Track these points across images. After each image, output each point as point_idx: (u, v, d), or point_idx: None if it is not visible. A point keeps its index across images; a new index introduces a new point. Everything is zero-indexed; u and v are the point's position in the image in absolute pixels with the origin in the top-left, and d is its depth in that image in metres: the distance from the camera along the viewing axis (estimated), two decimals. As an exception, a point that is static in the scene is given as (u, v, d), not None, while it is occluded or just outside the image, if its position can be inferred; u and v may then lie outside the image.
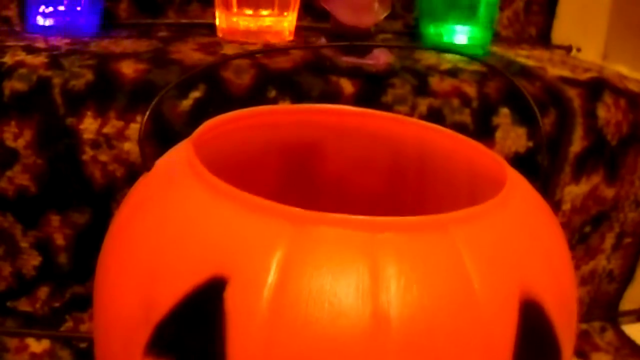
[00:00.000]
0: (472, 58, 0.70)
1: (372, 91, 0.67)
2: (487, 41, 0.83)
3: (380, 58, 0.69)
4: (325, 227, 0.40)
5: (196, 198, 0.43)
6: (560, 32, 0.97)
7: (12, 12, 0.88)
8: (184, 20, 0.87)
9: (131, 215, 0.48)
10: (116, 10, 0.87)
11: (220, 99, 0.65)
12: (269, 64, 0.69)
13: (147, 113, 0.50)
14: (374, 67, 0.68)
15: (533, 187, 0.50)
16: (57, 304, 0.70)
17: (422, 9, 0.84)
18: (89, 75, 0.65)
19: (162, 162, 0.50)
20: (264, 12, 0.77)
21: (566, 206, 0.76)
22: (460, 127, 0.69)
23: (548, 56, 0.89)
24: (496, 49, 0.87)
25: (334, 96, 0.66)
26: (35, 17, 0.77)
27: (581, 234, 0.79)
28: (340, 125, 0.63)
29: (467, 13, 0.81)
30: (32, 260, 0.69)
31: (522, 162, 0.72)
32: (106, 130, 0.65)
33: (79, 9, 0.77)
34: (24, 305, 0.70)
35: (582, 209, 0.77)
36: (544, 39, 0.98)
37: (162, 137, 0.64)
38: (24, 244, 0.69)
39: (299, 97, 0.65)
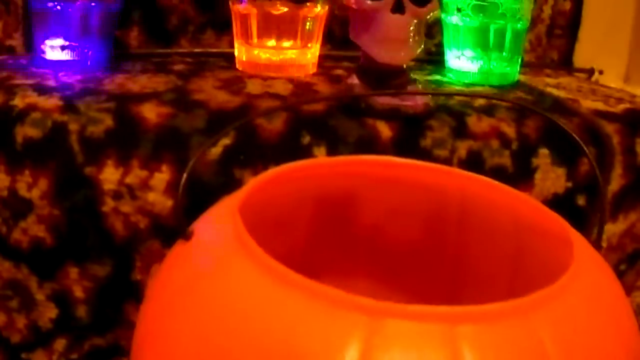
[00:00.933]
0: (513, 103, 0.67)
1: (410, 135, 0.62)
2: (515, 70, 0.79)
3: (417, 97, 0.65)
4: (402, 320, 0.36)
5: (254, 285, 0.38)
6: (582, 55, 0.94)
7: (16, 42, 0.83)
8: (198, 50, 0.82)
9: (172, 297, 0.43)
10: (127, 38, 0.83)
11: (251, 146, 0.60)
12: (302, 106, 0.64)
13: (184, 178, 0.46)
14: (412, 109, 0.63)
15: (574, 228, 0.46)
16: (75, 356, 0.65)
17: (446, 36, 0.79)
18: (108, 121, 0.60)
19: (203, 231, 0.46)
20: (286, 44, 0.73)
21: (603, 244, 0.73)
22: (499, 170, 0.65)
23: (576, 84, 0.85)
24: (522, 77, 0.83)
25: (371, 141, 0.61)
26: (43, 49, 0.71)
27: (616, 272, 0.75)
28: (377, 175, 0.59)
29: (494, 42, 0.77)
30: (49, 313, 0.64)
31: (560, 203, 0.68)
32: (129, 180, 0.60)
33: (89, 42, 0.71)
34: (39, 357, 0.65)
35: (619, 247, 0.74)
36: (566, 63, 0.94)
37: (189, 188, 0.59)
38: (39, 296, 0.63)
39: (335, 142, 0.61)
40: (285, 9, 0.70)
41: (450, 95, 0.67)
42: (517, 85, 0.79)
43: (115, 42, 0.77)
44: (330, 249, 0.62)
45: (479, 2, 0.75)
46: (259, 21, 0.71)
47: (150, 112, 0.61)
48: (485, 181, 0.56)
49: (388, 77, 0.66)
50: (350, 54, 0.81)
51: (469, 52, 0.78)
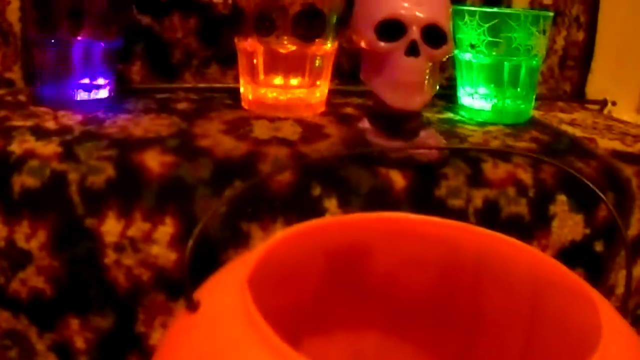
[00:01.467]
0: (531, 156, 0.64)
1: (424, 184, 0.59)
2: (529, 107, 0.75)
3: (430, 142, 0.62)
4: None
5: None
6: (595, 87, 0.91)
7: (16, 75, 0.79)
8: (202, 85, 0.79)
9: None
10: (129, 72, 0.79)
11: (259, 198, 0.57)
12: (310, 153, 0.61)
13: (190, 244, 0.43)
14: (426, 157, 0.60)
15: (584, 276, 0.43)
16: (74, 408, 0.63)
17: (459, 73, 0.77)
18: (109, 170, 0.57)
19: (209, 304, 0.43)
20: (294, 82, 0.70)
21: (620, 290, 0.70)
22: (516, 219, 0.62)
23: (591, 119, 0.82)
24: (535, 112, 0.80)
25: (384, 191, 0.58)
26: (42, 87, 0.68)
27: (634, 317, 0.73)
28: (390, 229, 0.56)
29: (509, 79, 0.74)
30: (49, 363, 0.62)
31: (578, 250, 0.65)
32: (131, 232, 0.56)
33: (90, 81, 0.67)
34: (39, 408, 0.63)
35: (637, 291, 0.71)
36: (578, 94, 0.91)
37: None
38: (40, 346, 0.60)
39: (346, 194, 0.57)
40: (294, 47, 0.67)
41: (468, 150, 0.63)
42: (531, 122, 0.76)
43: (117, 77, 0.74)
44: (341, 301, 0.59)
45: (493, 39, 0.72)
46: (265, 59, 0.68)
47: (153, 161, 0.58)
48: (501, 238, 0.53)
49: (401, 121, 0.63)
50: (359, 88, 0.78)
51: (482, 90, 0.74)
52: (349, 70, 0.80)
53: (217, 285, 0.45)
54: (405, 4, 0.60)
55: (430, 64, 0.62)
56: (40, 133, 0.61)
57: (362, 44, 0.62)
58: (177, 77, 0.79)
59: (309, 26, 0.67)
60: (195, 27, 0.78)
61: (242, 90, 0.71)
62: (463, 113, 0.76)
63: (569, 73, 0.89)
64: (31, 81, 0.72)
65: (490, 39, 0.72)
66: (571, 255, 0.67)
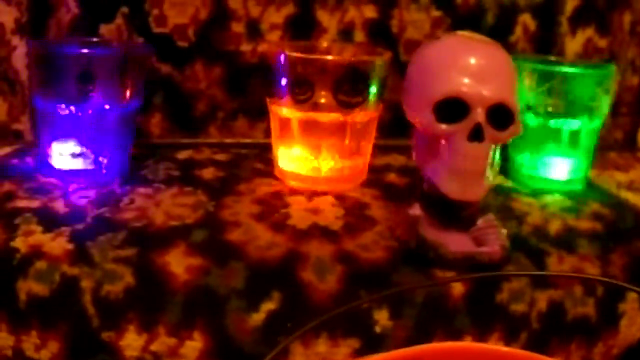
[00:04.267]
0: (602, 281, 0.52)
1: (485, 288, 0.49)
2: (587, 172, 0.64)
3: (494, 240, 0.49)
4: None
5: None
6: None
7: (24, 126, 0.68)
8: (229, 140, 0.68)
9: None
10: (147, 125, 0.68)
11: (299, 309, 0.46)
12: (358, 253, 0.49)
13: None
14: (488, 256, 0.50)
15: None
16: None
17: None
18: (127, 276, 0.46)
19: None
20: (333, 151, 0.57)
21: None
22: (582, 320, 0.52)
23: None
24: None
25: (441, 299, 0.48)
26: (50, 154, 0.57)
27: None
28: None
29: (568, 143, 0.64)
30: None
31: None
32: (154, 347, 0.46)
33: (103, 149, 0.56)
34: None
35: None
36: (630, 143, 0.80)
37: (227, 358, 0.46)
38: None
39: (399, 304, 0.48)
40: (333, 115, 0.57)
41: (545, 275, 0.53)
42: (589, 187, 0.64)
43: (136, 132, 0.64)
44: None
45: (553, 101, 0.62)
46: (301, 126, 0.57)
47: (178, 266, 0.47)
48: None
49: (458, 208, 0.53)
50: (401, 143, 0.67)
51: (537, 155, 0.63)
52: (389, 122, 0.68)
53: None
54: (468, 81, 0.49)
55: (494, 146, 0.52)
56: (48, 220, 0.51)
57: (417, 123, 0.52)
58: (201, 130, 0.68)
59: (352, 91, 0.57)
60: (220, 77, 0.67)
61: (275, 157, 0.60)
62: (517, 180, 0.64)
63: (621, 120, 0.78)
64: (39, 137, 0.61)
65: (549, 100, 0.62)
66: (637, 353, 0.58)
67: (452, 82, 0.50)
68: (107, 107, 0.55)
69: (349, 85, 0.56)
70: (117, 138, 0.57)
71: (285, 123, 0.58)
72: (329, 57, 0.56)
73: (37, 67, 0.55)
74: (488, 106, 0.49)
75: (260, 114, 0.67)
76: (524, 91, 0.62)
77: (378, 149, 0.66)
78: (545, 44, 0.72)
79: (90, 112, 0.55)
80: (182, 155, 0.66)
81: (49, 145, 0.58)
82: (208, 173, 0.61)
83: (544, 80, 0.61)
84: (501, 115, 0.50)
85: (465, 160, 0.50)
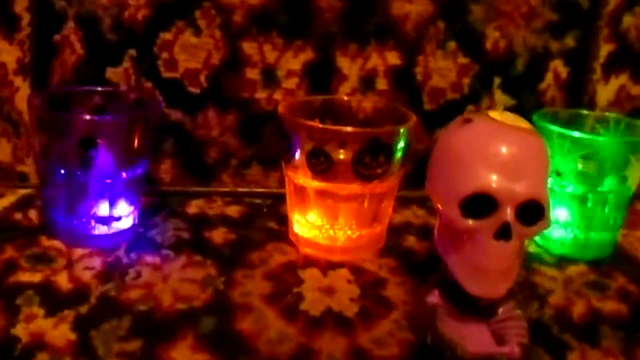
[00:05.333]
0: None
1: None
2: (614, 238, 0.59)
3: (514, 338, 0.45)
4: None
5: None
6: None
7: (29, 168, 0.64)
8: (242, 189, 0.64)
9: None
10: (157, 171, 0.64)
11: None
12: (372, 350, 0.45)
13: None
14: (506, 357, 0.47)
15: None
16: None
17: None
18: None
19: None
20: (351, 222, 0.53)
21: None
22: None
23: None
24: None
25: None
26: (55, 217, 0.53)
27: None
28: None
29: (595, 211, 0.56)
30: None
31: None
32: None
33: (109, 213, 0.52)
34: None
35: None
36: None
37: None
38: None
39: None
40: (352, 187, 0.52)
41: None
42: (616, 255, 0.59)
43: (145, 177, 0.58)
44: None
45: (583, 170, 0.58)
46: (318, 196, 0.53)
47: (185, 365, 0.45)
48: None
49: (478, 299, 0.49)
50: (420, 194, 0.63)
51: (562, 219, 0.58)
52: (407, 172, 0.65)
53: None
54: (499, 176, 0.44)
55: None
56: (50, 299, 0.47)
57: (441, 213, 0.48)
58: (213, 178, 0.64)
59: (373, 163, 0.52)
60: (233, 124, 0.62)
61: (289, 219, 0.56)
62: (538, 241, 0.60)
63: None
64: (42, 196, 0.57)
65: (580, 168, 0.57)
66: None
67: (482, 177, 0.45)
68: (112, 173, 0.51)
69: (369, 157, 0.52)
70: (123, 201, 0.53)
71: (300, 190, 0.54)
72: (349, 129, 0.51)
73: (37, 131, 0.52)
74: (518, 203, 0.45)
75: (275, 162, 0.63)
76: (556, 156, 0.57)
77: (398, 201, 0.61)
78: (576, 90, 0.67)
79: (93, 177, 0.51)
80: (193, 208, 0.62)
81: (52, 207, 0.54)
82: (219, 235, 0.57)
83: (575, 147, 0.57)
84: (531, 211, 0.46)
85: (490, 259, 0.46)
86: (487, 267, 0.46)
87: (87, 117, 0.51)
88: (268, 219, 0.60)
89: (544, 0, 0.64)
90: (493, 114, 0.48)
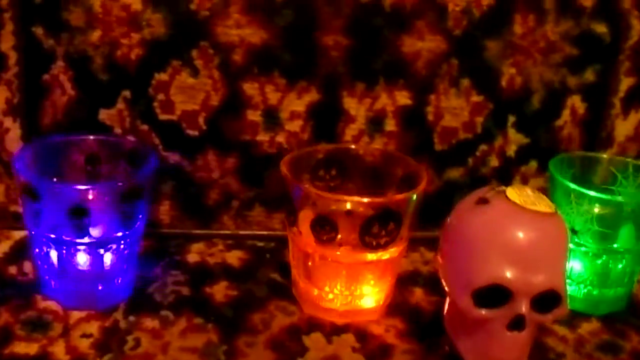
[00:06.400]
0: None
1: None
2: (629, 293, 0.55)
3: None
4: None
5: None
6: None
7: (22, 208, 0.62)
8: (244, 232, 0.60)
9: None
10: (156, 212, 0.60)
11: None
12: None
13: None
14: None
15: None
16: None
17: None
18: None
19: None
20: (356, 287, 0.50)
21: None
22: None
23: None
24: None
25: None
26: (49, 280, 0.50)
27: None
28: None
29: (611, 269, 0.53)
30: None
31: None
32: None
33: (103, 282, 0.49)
34: None
35: None
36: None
37: None
38: None
39: None
40: (358, 256, 0.48)
41: None
42: (630, 309, 0.56)
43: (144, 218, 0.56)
44: None
45: (600, 228, 0.54)
46: (323, 261, 0.49)
47: None
48: None
49: None
50: (429, 234, 0.59)
51: (576, 272, 0.54)
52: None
53: None
54: (515, 268, 0.41)
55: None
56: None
57: (452, 299, 0.45)
58: (214, 220, 0.60)
59: (382, 232, 0.49)
60: (235, 167, 0.59)
61: (293, 276, 0.52)
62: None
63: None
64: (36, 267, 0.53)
65: (597, 228, 0.54)
66: None
67: (497, 267, 0.42)
68: (104, 244, 0.48)
69: (378, 226, 0.48)
70: (118, 271, 0.50)
71: (305, 254, 0.51)
72: (356, 199, 0.48)
73: (24, 198, 0.48)
74: (534, 294, 0.43)
75: (278, 205, 0.59)
76: (573, 214, 0.53)
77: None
78: (593, 126, 0.63)
79: (86, 243, 0.48)
80: (193, 255, 0.58)
81: (44, 267, 0.50)
82: (220, 292, 0.54)
83: (592, 206, 0.53)
84: (548, 300, 0.43)
85: (502, 350, 0.43)
86: (499, 357, 0.44)
87: (78, 187, 0.47)
88: (271, 269, 0.57)
89: (564, 34, 0.60)
90: (511, 193, 0.45)
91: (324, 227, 0.48)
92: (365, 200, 0.48)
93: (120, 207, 0.48)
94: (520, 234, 0.42)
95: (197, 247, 0.60)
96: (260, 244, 0.61)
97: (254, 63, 0.56)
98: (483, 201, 0.44)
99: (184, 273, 0.56)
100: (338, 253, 0.49)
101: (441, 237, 0.46)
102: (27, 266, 0.56)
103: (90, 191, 0.47)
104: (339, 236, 0.48)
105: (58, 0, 0.55)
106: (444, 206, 0.56)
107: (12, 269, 0.55)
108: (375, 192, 0.53)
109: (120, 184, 0.48)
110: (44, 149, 0.52)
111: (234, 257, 0.59)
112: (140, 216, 0.50)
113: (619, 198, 0.54)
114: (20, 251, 0.58)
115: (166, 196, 0.59)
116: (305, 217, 0.49)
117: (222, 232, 0.60)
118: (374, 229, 0.48)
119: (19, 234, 0.60)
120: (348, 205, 0.48)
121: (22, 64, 0.56)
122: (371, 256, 0.49)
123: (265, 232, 0.61)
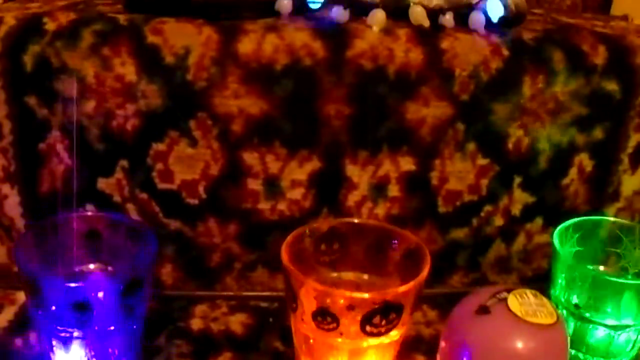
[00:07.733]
0: None
1: None
2: None
3: None
4: None
5: None
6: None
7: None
8: (246, 293, 0.58)
9: None
10: (158, 274, 0.58)
11: None
12: None
13: None
14: None
15: None
16: None
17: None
18: None
19: None
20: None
21: None
22: None
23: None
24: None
25: None
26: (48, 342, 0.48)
27: None
28: None
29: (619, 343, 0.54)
30: None
31: None
32: None
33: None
34: None
35: None
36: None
37: None
38: None
39: None
40: (359, 343, 0.47)
41: None
42: None
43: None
44: None
45: (597, 303, 0.51)
46: (324, 347, 0.48)
47: None
48: None
49: None
50: (432, 292, 0.58)
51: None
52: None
53: None
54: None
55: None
56: None
57: None
58: (217, 281, 0.59)
59: (383, 321, 0.47)
60: (236, 233, 0.57)
61: (296, 349, 0.50)
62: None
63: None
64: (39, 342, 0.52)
65: (599, 304, 0.52)
66: None
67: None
68: (107, 337, 0.46)
69: (380, 317, 0.47)
70: (122, 352, 0.49)
71: (306, 338, 0.50)
72: (357, 295, 0.45)
73: (27, 295, 0.47)
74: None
75: (280, 266, 0.58)
76: (573, 289, 0.52)
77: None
78: (600, 183, 0.60)
79: (88, 342, 0.47)
80: (197, 321, 0.57)
81: (47, 353, 0.50)
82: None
83: (594, 285, 0.51)
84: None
85: None
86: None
87: (79, 284, 0.46)
88: (274, 336, 0.56)
89: (574, 94, 0.57)
90: (513, 303, 0.43)
91: (325, 318, 0.47)
92: (367, 296, 0.46)
93: (124, 302, 0.47)
94: (520, 345, 0.41)
95: (200, 309, 0.58)
96: (264, 304, 0.59)
97: (253, 133, 0.54)
98: (484, 311, 0.43)
99: (187, 343, 0.55)
100: (339, 340, 0.49)
101: (440, 346, 0.45)
102: (33, 337, 0.56)
103: (94, 286, 0.46)
104: (340, 327, 0.48)
105: (49, 70, 0.53)
106: (448, 265, 0.55)
107: (18, 342, 0.55)
108: (376, 270, 0.51)
109: (123, 277, 0.46)
110: (44, 232, 0.50)
111: (236, 323, 0.57)
112: (144, 307, 0.49)
113: (625, 282, 0.51)
114: (25, 319, 0.56)
115: (168, 258, 0.58)
116: (308, 305, 0.48)
117: (225, 293, 0.59)
118: (375, 320, 0.47)
119: (22, 297, 0.60)
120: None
121: (16, 133, 0.54)
122: (372, 341, 0.49)
123: (268, 293, 0.59)
